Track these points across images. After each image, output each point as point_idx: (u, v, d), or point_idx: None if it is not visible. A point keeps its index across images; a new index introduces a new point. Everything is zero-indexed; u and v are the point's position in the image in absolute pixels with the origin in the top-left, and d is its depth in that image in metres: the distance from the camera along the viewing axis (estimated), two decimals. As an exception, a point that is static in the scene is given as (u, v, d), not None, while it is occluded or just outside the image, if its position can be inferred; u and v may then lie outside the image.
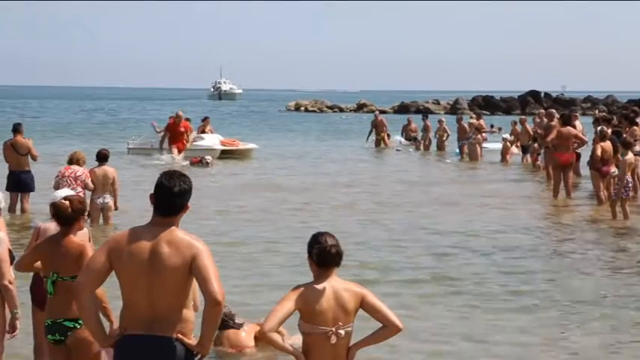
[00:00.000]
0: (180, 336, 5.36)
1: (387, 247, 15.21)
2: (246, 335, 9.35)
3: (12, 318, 7.32)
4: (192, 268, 5.32)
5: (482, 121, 35.03)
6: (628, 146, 18.59)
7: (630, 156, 18.38)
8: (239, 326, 9.39)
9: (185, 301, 5.41)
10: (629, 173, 18.28)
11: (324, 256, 5.66)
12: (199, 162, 29.97)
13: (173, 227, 5.43)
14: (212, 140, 32.86)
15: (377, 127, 38.94)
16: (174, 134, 30.99)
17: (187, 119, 35.06)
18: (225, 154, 32.19)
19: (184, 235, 5.42)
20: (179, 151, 30.55)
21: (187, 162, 29.84)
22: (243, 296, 11.24)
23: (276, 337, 5.58)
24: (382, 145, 38.37)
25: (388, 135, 39.15)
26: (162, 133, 32.42)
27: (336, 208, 19.82)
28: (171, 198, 5.44)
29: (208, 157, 30.41)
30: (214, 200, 20.58)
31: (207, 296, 5.26)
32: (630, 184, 18.37)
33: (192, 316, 5.45)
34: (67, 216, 7.02)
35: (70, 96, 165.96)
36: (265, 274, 13.01)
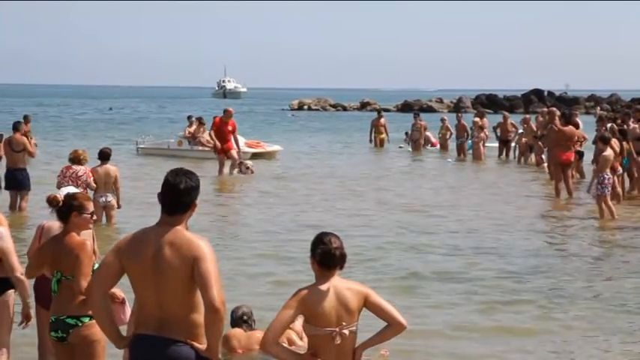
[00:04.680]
0: (189, 341, 5.34)
1: (385, 246, 15.20)
2: (252, 339, 9.22)
3: (25, 307, 7.44)
4: (193, 271, 5.28)
5: (510, 121, 33.45)
6: (606, 142, 18.54)
7: (609, 152, 18.29)
8: (249, 328, 9.29)
9: (193, 303, 5.35)
10: (607, 170, 18.20)
11: (327, 257, 5.59)
12: (239, 168, 26.08)
13: (178, 227, 5.39)
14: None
15: (376, 127, 38.76)
16: (221, 134, 25.81)
17: (197, 118, 33.14)
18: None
19: (188, 236, 5.37)
20: (226, 154, 25.71)
21: (236, 170, 25.87)
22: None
23: (276, 349, 5.54)
24: (379, 145, 38.00)
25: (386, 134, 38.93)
26: (187, 134, 30.95)
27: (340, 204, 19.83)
28: (177, 195, 5.40)
29: (249, 162, 26.61)
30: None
31: (206, 303, 5.22)
32: (607, 181, 18.23)
33: (202, 319, 5.36)
34: (58, 210, 7.07)
35: (73, 95, 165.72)
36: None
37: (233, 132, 25.93)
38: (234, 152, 25.80)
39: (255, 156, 30.31)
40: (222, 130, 25.82)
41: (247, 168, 25.93)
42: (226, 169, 25.79)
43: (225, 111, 26.35)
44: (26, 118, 31.50)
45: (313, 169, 28.82)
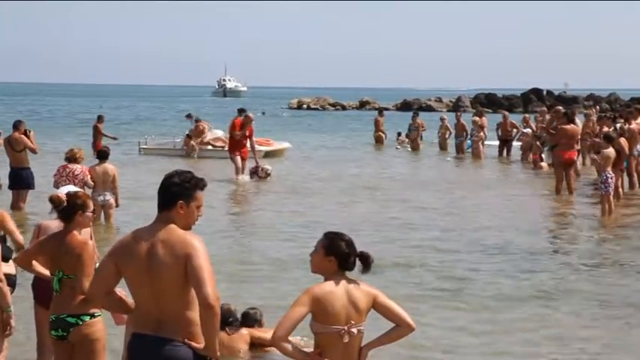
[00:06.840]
0: (187, 340, 5.33)
1: (381, 245, 15.09)
2: (237, 339, 9.15)
3: (6, 317, 7.25)
4: (186, 269, 5.27)
5: (510, 120, 33.12)
6: (610, 140, 18.50)
7: (610, 151, 18.24)
8: (233, 331, 9.18)
9: (189, 301, 5.34)
10: (609, 169, 18.14)
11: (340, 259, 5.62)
12: (255, 172, 24.48)
13: (172, 226, 5.39)
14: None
15: (377, 125, 39.23)
16: (239, 139, 24.79)
17: (196, 119, 32.89)
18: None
19: (180, 234, 5.36)
20: (243, 160, 24.59)
21: (248, 176, 24.37)
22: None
23: (286, 346, 5.49)
24: (378, 143, 38.55)
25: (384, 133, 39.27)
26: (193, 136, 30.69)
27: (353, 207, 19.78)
28: (160, 191, 5.45)
29: (267, 167, 24.83)
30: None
31: (200, 299, 5.22)
32: (610, 180, 18.11)
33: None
34: (62, 210, 7.02)
35: (76, 93, 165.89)
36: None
37: (250, 137, 24.96)
38: (245, 162, 24.64)
39: (267, 154, 29.69)
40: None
41: (267, 174, 24.48)
42: (246, 177, 24.43)
43: (247, 117, 25.32)
44: (100, 118, 31.20)
45: (320, 170, 28.33)
